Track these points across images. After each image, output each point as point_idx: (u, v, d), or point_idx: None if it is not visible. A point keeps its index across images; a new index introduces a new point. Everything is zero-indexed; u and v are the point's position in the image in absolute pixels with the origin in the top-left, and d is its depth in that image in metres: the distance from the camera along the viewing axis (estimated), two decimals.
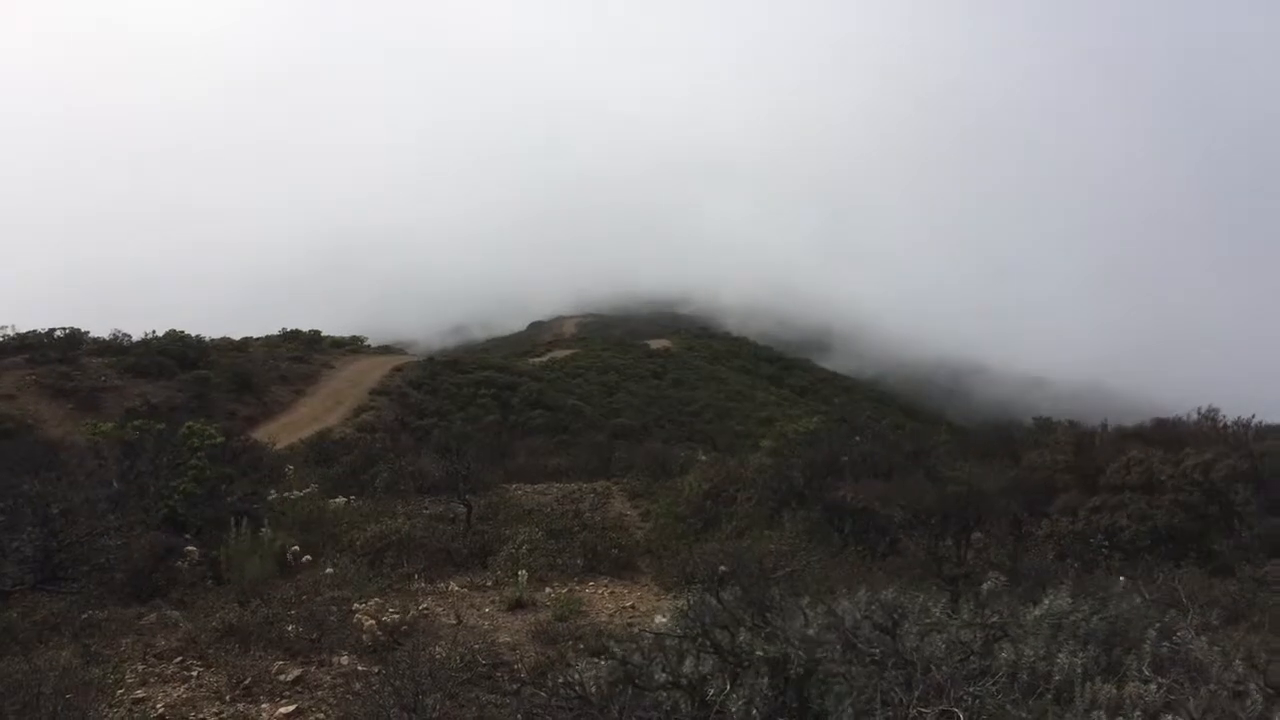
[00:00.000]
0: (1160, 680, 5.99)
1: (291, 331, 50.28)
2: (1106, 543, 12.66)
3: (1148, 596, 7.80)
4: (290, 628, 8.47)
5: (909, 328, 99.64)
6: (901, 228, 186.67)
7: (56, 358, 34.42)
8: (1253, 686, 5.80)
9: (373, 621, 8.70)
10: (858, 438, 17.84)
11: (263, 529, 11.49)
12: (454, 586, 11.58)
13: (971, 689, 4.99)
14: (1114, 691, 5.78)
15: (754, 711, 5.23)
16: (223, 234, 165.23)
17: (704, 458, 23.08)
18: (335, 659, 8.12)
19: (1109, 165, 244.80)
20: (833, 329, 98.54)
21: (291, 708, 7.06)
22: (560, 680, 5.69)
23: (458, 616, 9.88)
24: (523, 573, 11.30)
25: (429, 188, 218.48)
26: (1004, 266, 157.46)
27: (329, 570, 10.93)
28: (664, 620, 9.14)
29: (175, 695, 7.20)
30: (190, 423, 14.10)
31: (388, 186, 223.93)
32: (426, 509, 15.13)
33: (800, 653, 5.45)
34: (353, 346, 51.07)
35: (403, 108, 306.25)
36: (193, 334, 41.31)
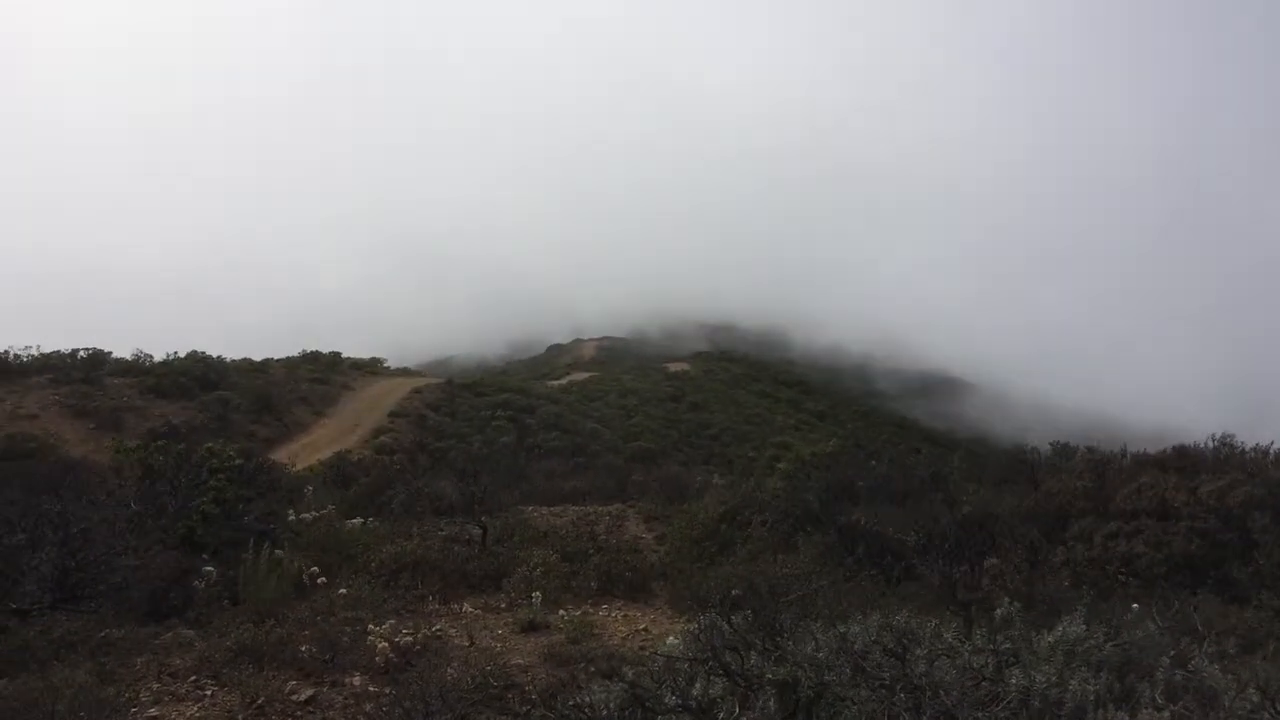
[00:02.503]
0: (1173, 708, 5.96)
1: (311, 353, 50.59)
2: (1123, 570, 12.59)
3: (1162, 624, 7.76)
4: (304, 648, 8.52)
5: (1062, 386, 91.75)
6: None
7: (79, 378, 34.78)
8: (1267, 715, 5.77)
9: (386, 643, 8.73)
10: (874, 462, 17.80)
11: (279, 549, 11.56)
12: (468, 608, 11.61)
13: (981, 714, 4.98)
14: (1126, 719, 5.76)
15: None
16: (266, 250, 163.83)
17: (719, 481, 23.03)
18: (348, 679, 8.16)
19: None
20: (957, 380, 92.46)
21: None
22: (570, 702, 5.71)
23: (471, 638, 9.91)
24: (537, 595, 11.32)
25: (515, 194, 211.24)
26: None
27: (343, 591, 10.98)
28: (675, 643, 9.15)
29: (189, 714, 7.26)
30: (209, 443, 14.21)
31: (452, 190, 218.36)
32: (442, 530, 15.16)
33: (809, 676, 5.46)
34: (372, 368, 51.33)
35: (478, 109, 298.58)
36: (214, 354, 41.69)
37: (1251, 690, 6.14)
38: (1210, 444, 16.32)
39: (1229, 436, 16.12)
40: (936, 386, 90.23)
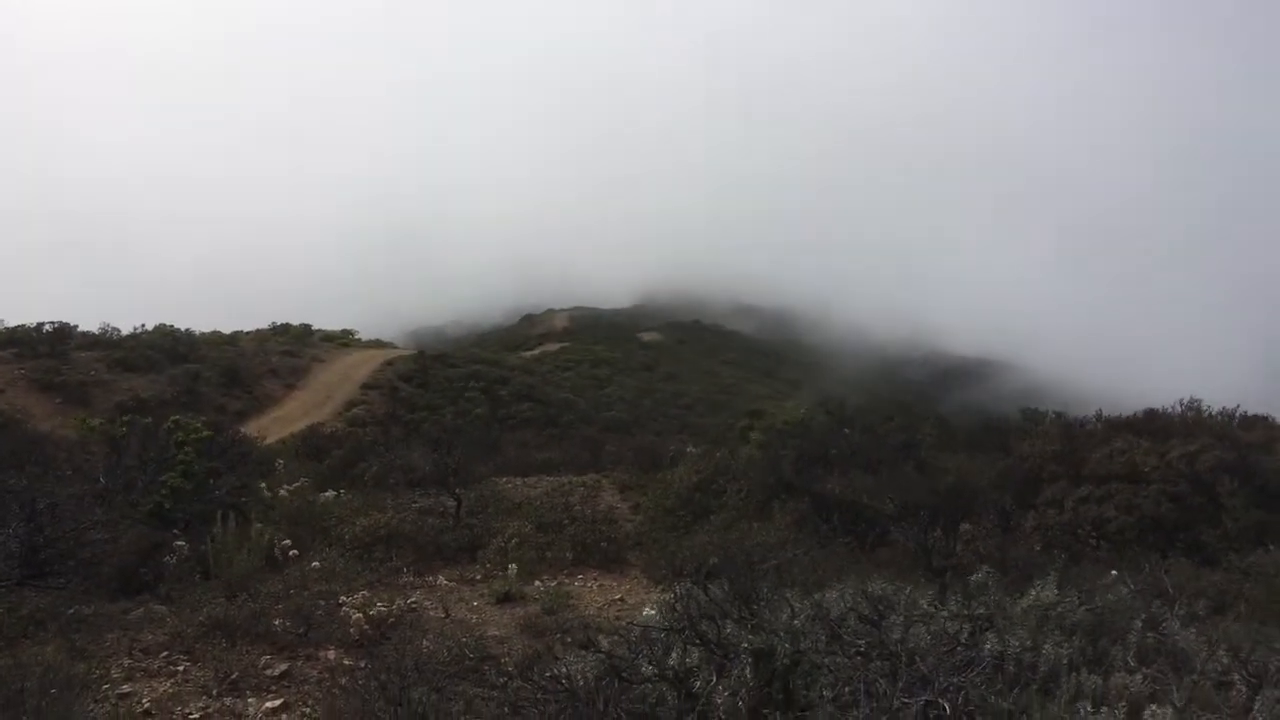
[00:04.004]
0: (1145, 670, 6.01)
1: (281, 325, 50.15)
2: (1094, 534, 12.71)
3: (1133, 587, 7.83)
4: (277, 622, 8.46)
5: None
6: None
7: (45, 352, 34.27)
8: (1237, 677, 5.83)
9: (360, 615, 8.68)
10: (846, 430, 17.86)
11: (251, 523, 11.45)
12: (443, 580, 11.58)
13: (956, 679, 4.99)
14: (1099, 682, 5.81)
15: (739, 703, 5.24)
16: (261, 216, 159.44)
17: (693, 450, 23.04)
18: (322, 653, 8.11)
19: None
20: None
21: (278, 702, 7.05)
22: (547, 673, 5.69)
23: (446, 610, 9.88)
24: (512, 566, 11.30)
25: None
26: None
27: (316, 564, 10.90)
28: (651, 613, 9.15)
29: (161, 690, 7.19)
30: (176, 416, 14.04)
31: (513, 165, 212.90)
32: (416, 503, 15.09)
33: (786, 644, 5.45)
34: (343, 340, 50.91)
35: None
36: (182, 328, 41.21)
37: (1222, 652, 6.22)
38: (1179, 407, 16.47)
39: (1196, 401, 16.29)
40: (966, 370, 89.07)
